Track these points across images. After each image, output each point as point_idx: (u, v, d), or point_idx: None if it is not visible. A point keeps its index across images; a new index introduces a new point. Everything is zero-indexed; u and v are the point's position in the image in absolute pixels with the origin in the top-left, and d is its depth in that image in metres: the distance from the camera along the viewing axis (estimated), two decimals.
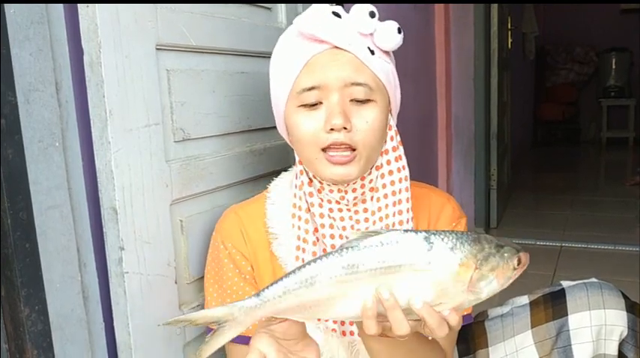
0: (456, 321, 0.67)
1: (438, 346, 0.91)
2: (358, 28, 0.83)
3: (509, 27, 3.75)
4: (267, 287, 0.68)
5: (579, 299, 0.98)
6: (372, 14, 0.83)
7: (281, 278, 0.68)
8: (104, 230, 0.87)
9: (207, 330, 0.93)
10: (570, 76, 7.02)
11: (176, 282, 0.97)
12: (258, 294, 0.68)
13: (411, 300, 0.66)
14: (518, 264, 0.69)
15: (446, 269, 0.66)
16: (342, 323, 0.91)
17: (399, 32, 0.85)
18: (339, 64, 0.82)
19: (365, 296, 0.67)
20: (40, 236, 0.78)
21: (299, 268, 0.67)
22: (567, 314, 0.97)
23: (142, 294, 0.90)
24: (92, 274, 0.89)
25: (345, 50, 0.82)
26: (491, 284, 0.67)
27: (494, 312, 1.08)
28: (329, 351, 0.91)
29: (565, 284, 1.02)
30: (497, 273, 0.67)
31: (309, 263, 0.67)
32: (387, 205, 0.88)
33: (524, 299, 1.06)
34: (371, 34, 0.84)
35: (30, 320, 0.76)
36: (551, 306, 1.00)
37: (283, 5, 1.28)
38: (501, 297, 1.12)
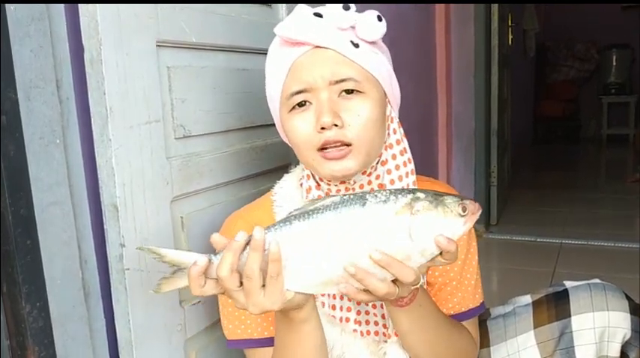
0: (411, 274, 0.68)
1: (464, 329, 0.93)
2: (336, 23, 0.82)
3: (509, 24, 3.74)
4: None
5: (582, 300, 0.97)
6: (345, 7, 0.82)
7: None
8: (105, 227, 0.87)
9: (228, 343, 0.94)
10: (571, 73, 7.02)
11: None
12: (216, 255, 0.71)
13: (370, 254, 0.67)
14: (464, 211, 0.69)
15: (382, 223, 0.68)
16: (359, 323, 0.91)
17: (380, 20, 0.84)
18: (321, 63, 0.82)
19: (316, 259, 0.69)
20: (41, 232, 0.78)
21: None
22: (570, 315, 0.97)
23: (143, 291, 0.90)
24: (93, 271, 0.89)
25: (325, 48, 0.82)
26: (435, 231, 0.68)
27: (496, 311, 1.08)
28: (355, 355, 0.91)
29: (568, 284, 1.02)
30: (439, 219, 0.68)
31: (268, 228, 0.70)
32: None
33: (527, 299, 1.05)
34: (352, 27, 0.83)
35: (31, 317, 0.77)
36: (554, 307, 0.99)
37: (284, 2, 1.28)
38: (503, 296, 1.12)
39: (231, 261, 0.68)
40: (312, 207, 0.70)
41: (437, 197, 0.69)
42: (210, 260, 0.70)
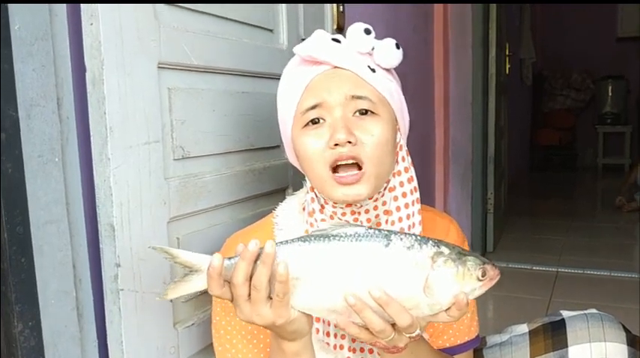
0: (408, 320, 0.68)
1: None
2: (356, 47, 0.84)
3: (507, 52, 3.79)
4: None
5: (580, 331, 0.96)
6: (367, 31, 0.83)
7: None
8: (101, 246, 0.86)
9: None
10: (567, 102, 7.08)
11: (171, 301, 0.97)
12: (230, 258, 0.71)
13: (370, 290, 0.67)
14: (483, 276, 0.69)
15: (401, 268, 0.68)
16: (354, 350, 0.90)
17: (398, 48, 0.85)
18: (339, 81, 0.82)
19: (326, 284, 0.69)
20: (37, 251, 0.77)
21: (275, 244, 0.70)
22: (567, 346, 0.96)
23: (137, 312, 0.89)
24: (87, 290, 0.89)
25: (344, 69, 0.83)
26: (451, 289, 0.68)
27: (492, 340, 1.07)
28: None
29: (565, 314, 1.01)
30: (457, 279, 0.68)
31: (279, 243, 0.70)
32: (402, 229, 0.87)
33: (524, 328, 1.04)
34: (370, 54, 0.85)
35: (23, 336, 0.76)
36: (551, 337, 0.98)
37: (285, 27, 1.29)
38: (499, 324, 1.12)
39: (246, 269, 0.69)
40: (334, 232, 0.70)
41: (460, 256, 0.69)
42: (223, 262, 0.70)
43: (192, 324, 1.02)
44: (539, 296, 2.66)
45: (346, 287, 0.68)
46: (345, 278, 0.69)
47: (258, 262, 0.69)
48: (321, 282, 0.69)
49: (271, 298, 0.70)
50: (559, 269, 3.05)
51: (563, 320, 1.00)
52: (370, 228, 0.71)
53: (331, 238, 0.69)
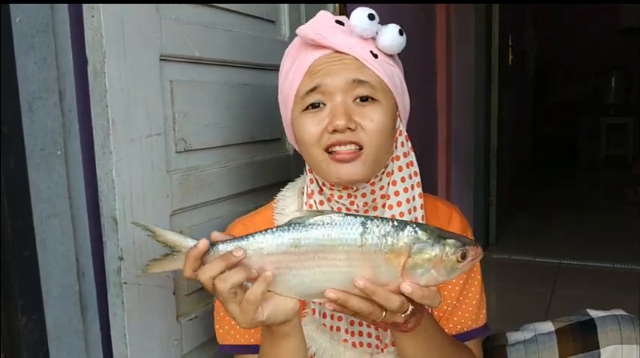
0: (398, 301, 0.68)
1: (469, 350, 0.92)
2: (359, 32, 0.83)
3: (509, 44, 3.77)
4: (222, 242, 0.71)
5: (611, 332, 0.96)
6: (370, 16, 0.82)
7: (236, 239, 0.71)
8: (104, 239, 0.86)
9: (220, 348, 0.93)
10: (570, 95, 7.06)
11: (174, 293, 0.97)
12: (212, 244, 0.71)
13: (354, 281, 0.67)
14: (463, 258, 0.68)
15: (376, 254, 0.67)
16: (352, 333, 0.90)
17: (401, 34, 0.84)
18: (341, 65, 0.82)
19: (305, 272, 0.69)
20: (40, 244, 0.77)
21: (252, 234, 0.70)
22: (599, 347, 0.96)
23: (140, 305, 0.90)
24: (90, 284, 0.89)
25: (346, 54, 0.83)
26: (429, 273, 0.68)
27: (513, 337, 1.06)
28: None
29: (593, 313, 1.00)
30: (435, 264, 0.67)
31: (260, 232, 0.70)
32: (402, 213, 0.87)
33: (549, 326, 1.03)
34: (373, 38, 0.84)
35: (27, 330, 0.76)
36: (581, 338, 0.98)
37: (287, 18, 1.29)
38: (501, 316, 1.11)
39: (217, 269, 0.68)
40: (310, 220, 0.69)
41: (439, 239, 0.68)
42: (209, 248, 0.71)
43: (195, 317, 1.02)
44: (542, 288, 2.66)
45: (324, 276, 0.69)
46: (323, 266, 0.68)
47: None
48: (300, 270, 0.69)
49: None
50: (562, 261, 3.05)
51: (592, 320, 0.99)
52: (348, 214, 0.70)
53: (307, 226, 0.69)
